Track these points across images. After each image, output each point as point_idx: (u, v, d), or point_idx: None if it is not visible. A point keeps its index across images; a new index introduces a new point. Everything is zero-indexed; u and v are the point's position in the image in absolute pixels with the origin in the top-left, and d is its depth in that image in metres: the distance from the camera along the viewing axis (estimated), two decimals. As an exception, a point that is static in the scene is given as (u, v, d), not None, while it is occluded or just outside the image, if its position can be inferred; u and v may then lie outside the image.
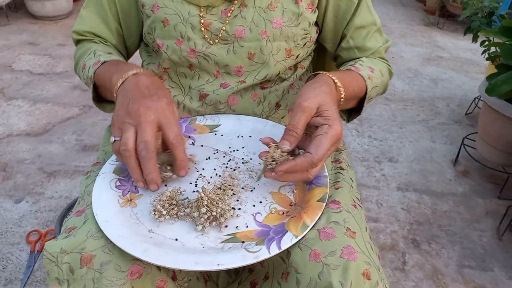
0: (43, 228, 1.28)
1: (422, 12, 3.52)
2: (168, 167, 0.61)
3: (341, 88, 0.62)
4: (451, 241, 1.35)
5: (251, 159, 0.67)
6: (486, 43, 1.71)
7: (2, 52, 2.43)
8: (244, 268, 0.61)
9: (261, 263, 0.58)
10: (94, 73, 0.67)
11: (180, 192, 0.59)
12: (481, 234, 1.38)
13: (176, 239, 0.53)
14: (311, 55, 0.81)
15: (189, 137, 0.72)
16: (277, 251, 0.49)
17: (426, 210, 1.48)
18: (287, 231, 0.53)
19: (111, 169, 0.63)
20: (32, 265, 1.14)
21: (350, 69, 0.69)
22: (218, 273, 0.63)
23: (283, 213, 0.57)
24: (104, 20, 0.75)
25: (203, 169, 0.65)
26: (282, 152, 0.56)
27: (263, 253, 0.49)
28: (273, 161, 0.56)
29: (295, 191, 0.60)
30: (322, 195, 0.58)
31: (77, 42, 0.79)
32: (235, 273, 0.63)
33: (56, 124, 1.81)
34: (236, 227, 0.55)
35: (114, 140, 0.56)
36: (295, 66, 0.78)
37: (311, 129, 0.58)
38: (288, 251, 0.52)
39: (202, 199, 0.54)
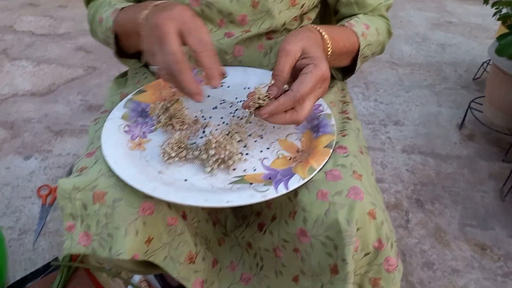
0: (52, 183, 1.31)
1: (433, -24, 3.41)
2: (175, 119, 0.61)
3: (327, 40, 0.61)
4: (454, 201, 1.37)
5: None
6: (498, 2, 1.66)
7: (3, 13, 2.40)
8: (251, 211, 0.63)
9: (269, 205, 0.59)
10: (114, 22, 0.64)
11: (188, 137, 0.59)
12: (483, 195, 1.40)
13: (186, 180, 0.54)
14: (317, 6, 0.79)
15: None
16: (284, 191, 0.50)
17: (430, 172, 1.49)
18: (294, 173, 0.53)
19: (119, 115, 0.64)
20: (44, 217, 1.17)
21: (343, 25, 0.68)
22: (226, 216, 0.64)
23: (290, 158, 0.58)
24: None
25: (210, 117, 0.65)
26: (266, 95, 0.54)
27: (271, 193, 0.50)
28: (258, 103, 0.55)
29: (302, 139, 0.61)
30: (329, 141, 0.58)
31: (88, 1, 0.76)
32: (242, 217, 0.64)
33: (61, 84, 1.81)
34: (244, 170, 0.56)
35: (158, 69, 0.52)
36: (301, 18, 0.76)
37: (297, 73, 0.56)
38: (295, 192, 0.53)
39: (210, 141, 0.55)
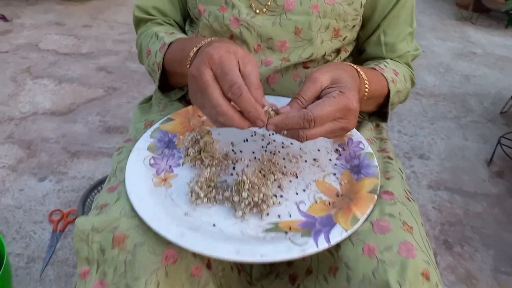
0: (65, 207, 1.27)
1: (454, 6, 3.39)
2: (203, 153, 0.57)
3: (365, 80, 0.57)
4: (485, 244, 1.29)
5: (291, 143, 0.63)
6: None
7: (29, 31, 2.44)
8: (282, 259, 0.57)
9: (304, 255, 0.54)
10: (164, 57, 0.64)
11: (218, 174, 0.55)
12: (517, 238, 1.31)
13: (214, 225, 0.49)
14: (355, 40, 0.76)
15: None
16: (325, 245, 0.45)
17: (458, 210, 1.42)
18: (336, 223, 0.48)
19: (145, 146, 0.60)
20: (54, 245, 1.13)
21: (374, 68, 0.65)
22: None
23: (329, 203, 0.52)
24: None
25: (240, 151, 0.61)
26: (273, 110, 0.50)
27: (311, 247, 0.45)
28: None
29: (342, 182, 0.56)
30: (373, 186, 0.53)
31: (139, 21, 0.75)
32: (270, 264, 0.59)
33: (81, 104, 1.80)
34: (278, 216, 0.51)
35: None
36: (339, 49, 0.73)
37: None
38: (337, 244, 0.47)
39: (243, 182, 0.50)
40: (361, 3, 0.66)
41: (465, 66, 2.45)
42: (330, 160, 0.60)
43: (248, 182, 0.50)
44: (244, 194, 0.49)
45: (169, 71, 0.67)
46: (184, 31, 0.78)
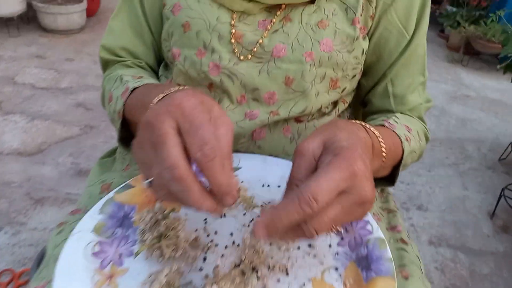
0: (18, 266, 1.10)
1: (445, 49, 3.39)
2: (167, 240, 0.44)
3: (379, 138, 0.45)
4: (497, 313, 1.15)
5: None
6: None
7: (7, 64, 2.32)
8: None
9: None
10: (124, 104, 0.52)
11: (182, 273, 0.41)
12: (531, 307, 1.18)
13: None
14: (354, 90, 0.65)
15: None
16: None
17: (463, 271, 1.28)
18: None
19: (91, 226, 0.46)
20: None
21: (383, 125, 0.54)
22: None
23: (330, 315, 0.39)
24: (139, 33, 0.62)
25: (215, 232, 0.47)
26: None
27: None
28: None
29: (346, 282, 0.42)
30: None
31: (106, 63, 0.64)
32: None
33: (52, 143, 1.66)
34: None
35: (149, 183, 0.37)
36: (336, 101, 0.62)
37: None
38: None
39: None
40: (363, 50, 0.56)
41: (460, 109, 2.39)
42: (330, 246, 0.47)
43: (219, 288, 0.36)
44: (214, 308, 0.36)
45: (130, 121, 0.55)
46: (158, 76, 0.66)
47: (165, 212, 0.45)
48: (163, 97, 0.42)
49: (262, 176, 0.55)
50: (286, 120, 0.58)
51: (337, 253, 0.46)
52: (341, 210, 0.34)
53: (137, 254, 0.43)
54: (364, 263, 0.44)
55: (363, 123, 0.45)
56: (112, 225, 0.47)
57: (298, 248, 0.46)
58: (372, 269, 0.42)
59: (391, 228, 0.54)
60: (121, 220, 0.48)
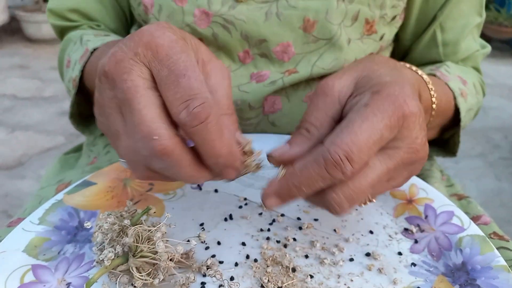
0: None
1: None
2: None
3: (429, 84, 0.36)
4: None
5: (315, 219, 0.32)
6: None
7: (-12, 76, 2.17)
8: None
9: None
10: (82, 70, 0.43)
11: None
12: None
13: None
14: (392, 43, 0.52)
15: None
16: None
17: None
18: None
19: (24, 243, 0.29)
20: None
21: (434, 74, 0.44)
22: None
23: None
24: None
25: (218, 243, 0.30)
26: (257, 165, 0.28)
27: None
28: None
29: None
30: None
31: (60, 31, 0.53)
32: None
33: (34, 155, 1.50)
34: None
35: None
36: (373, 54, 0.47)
37: None
38: None
39: None
40: None
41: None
42: (400, 254, 0.29)
43: None
44: None
45: (91, 92, 0.44)
46: None
47: (134, 215, 0.27)
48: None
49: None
50: (308, 82, 0.43)
51: (413, 264, 0.28)
52: (385, 172, 0.25)
53: (92, 282, 0.24)
54: (463, 277, 0.26)
55: (407, 64, 0.36)
56: (59, 240, 0.30)
57: (351, 259, 0.28)
58: (478, 286, 0.25)
59: (473, 219, 0.36)
60: (74, 231, 0.31)
